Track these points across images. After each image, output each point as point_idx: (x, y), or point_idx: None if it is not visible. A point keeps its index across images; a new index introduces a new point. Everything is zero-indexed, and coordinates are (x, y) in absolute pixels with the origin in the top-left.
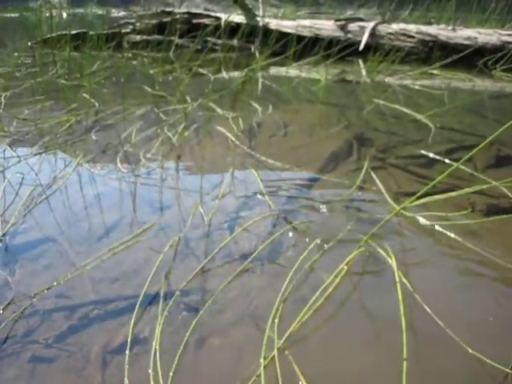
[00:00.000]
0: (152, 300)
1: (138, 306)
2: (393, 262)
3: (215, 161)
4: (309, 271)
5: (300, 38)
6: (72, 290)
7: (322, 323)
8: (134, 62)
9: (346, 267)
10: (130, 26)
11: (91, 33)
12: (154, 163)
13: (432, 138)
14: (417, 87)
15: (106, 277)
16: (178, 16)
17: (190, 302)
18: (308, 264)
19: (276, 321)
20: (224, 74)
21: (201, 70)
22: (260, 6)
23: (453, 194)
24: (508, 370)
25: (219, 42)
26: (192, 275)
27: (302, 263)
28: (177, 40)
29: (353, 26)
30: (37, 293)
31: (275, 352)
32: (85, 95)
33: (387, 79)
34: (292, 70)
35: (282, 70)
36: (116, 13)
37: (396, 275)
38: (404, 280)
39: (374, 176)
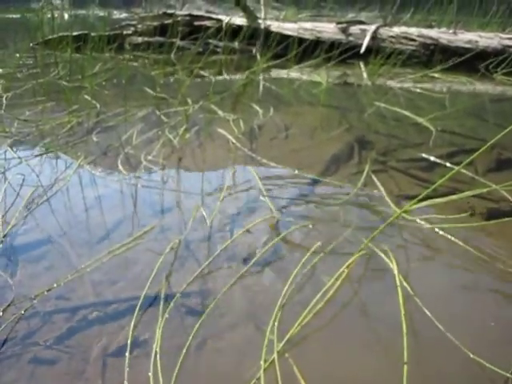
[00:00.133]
0: (152, 302)
1: (138, 309)
2: (393, 266)
3: (216, 163)
4: (310, 274)
5: (301, 41)
6: (72, 291)
7: (322, 326)
8: (136, 64)
9: (346, 270)
10: (132, 28)
11: (93, 34)
12: (155, 165)
13: (433, 142)
14: (418, 90)
15: (106, 279)
16: (179, 18)
17: (190, 304)
18: (309, 267)
19: (276, 324)
20: (225, 77)
21: (202, 72)
22: (262, 8)
23: (453, 197)
24: (508, 375)
25: (221, 44)
26: (192, 278)
27: (303, 266)
28: (178, 42)
29: (354, 29)
30: (37, 294)
31: (275, 355)
32: (86, 97)
33: (388, 82)
34: (293, 73)
35: (283, 73)
36: (118, 14)
37: (397, 279)
38: (405, 283)
39: (374, 179)
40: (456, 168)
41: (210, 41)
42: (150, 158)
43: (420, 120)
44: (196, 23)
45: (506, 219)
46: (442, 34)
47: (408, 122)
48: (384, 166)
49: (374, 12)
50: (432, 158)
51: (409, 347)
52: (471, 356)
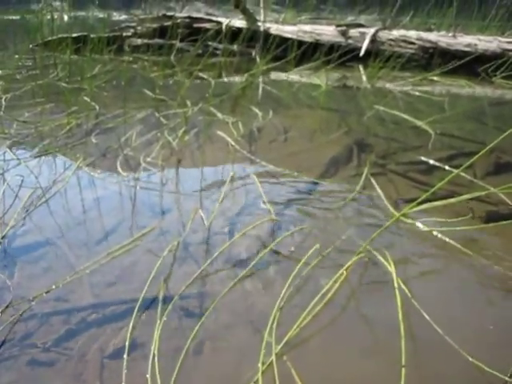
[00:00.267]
0: (151, 304)
1: (136, 311)
2: (392, 269)
3: (215, 165)
4: (308, 277)
5: (301, 43)
6: (71, 293)
7: (320, 329)
8: (135, 66)
9: (345, 273)
10: (132, 30)
11: (92, 36)
12: (154, 167)
13: (432, 145)
14: (417, 93)
15: (104, 281)
16: (179, 20)
17: (188, 306)
18: (307, 269)
19: (274, 326)
20: (224, 79)
21: (201, 75)
22: (261, 10)
23: (452, 200)
24: (507, 378)
25: (220, 46)
26: (191, 280)
27: (302, 269)
28: (178, 44)
29: (353, 32)
30: (35, 296)
31: (273, 357)
32: (85, 98)
33: (388, 85)
34: (292, 75)
35: (282, 75)
36: (117, 16)
37: (395, 282)
38: (403, 286)
39: (373, 182)
40: (455, 171)
41: (210, 43)
42: (148, 159)
43: (419, 123)
44: (195, 25)
45: (505, 222)
46: (441, 38)
47: (407, 125)
48: (383, 169)
49: (373, 15)
50: (431, 161)
51: (407, 350)
52: (470, 359)
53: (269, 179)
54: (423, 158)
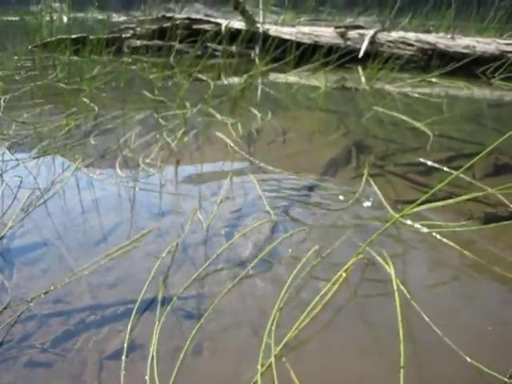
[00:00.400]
0: (149, 306)
1: (135, 312)
2: (391, 270)
3: (214, 166)
4: (307, 278)
5: (300, 45)
6: (69, 294)
7: (319, 330)
8: (134, 67)
9: (344, 274)
10: (131, 31)
11: (91, 37)
12: (153, 168)
13: (430, 146)
14: (416, 95)
15: (103, 282)
16: (178, 21)
17: (187, 308)
18: (306, 271)
19: (274, 327)
20: (224, 80)
21: (200, 76)
22: (260, 12)
23: (450, 201)
24: (506, 379)
25: (219, 47)
26: (190, 281)
27: (301, 270)
28: (177, 45)
29: (352, 34)
30: (34, 297)
31: (272, 359)
32: (84, 99)
33: (386, 87)
34: (291, 77)
35: (281, 77)
36: (117, 17)
37: (394, 283)
38: (402, 288)
39: (372, 183)
40: (454, 172)
41: (209, 44)
42: (147, 160)
43: (418, 124)
44: (195, 27)
45: (504, 223)
46: (440, 39)
47: (406, 127)
48: (382, 170)
49: (372, 17)
50: (430, 163)
51: (406, 352)
52: (469, 360)
53: (268, 180)
54: (422, 160)
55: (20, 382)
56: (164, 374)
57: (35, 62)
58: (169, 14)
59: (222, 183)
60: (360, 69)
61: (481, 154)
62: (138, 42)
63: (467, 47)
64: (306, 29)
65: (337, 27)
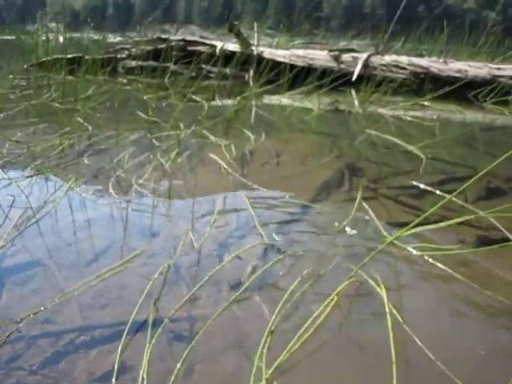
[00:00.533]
0: (140, 327)
1: (125, 333)
2: (383, 293)
3: (207, 188)
4: (299, 301)
5: (293, 68)
6: (59, 315)
7: (310, 353)
8: (129, 88)
9: (336, 297)
10: (126, 52)
11: (87, 57)
12: (146, 189)
13: (423, 169)
14: (408, 118)
15: (94, 303)
16: (173, 43)
17: (178, 330)
18: (298, 294)
19: (265, 351)
20: (218, 102)
21: (195, 97)
22: (255, 34)
23: (442, 224)
24: None
25: (214, 69)
26: (181, 303)
27: (292, 293)
28: (172, 67)
29: (346, 57)
30: (23, 317)
31: (263, 383)
32: (78, 119)
33: (379, 110)
34: (285, 99)
35: (275, 99)
36: (112, 38)
37: (386, 306)
38: (394, 311)
39: (365, 206)
40: (447, 196)
41: (204, 66)
42: (141, 181)
43: (410, 148)
44: (190, 48)
45: (495, 246)
46: (433, 63)
47: (398, 150)
48: (374, 193)
49: (365, 40)
50: (422, 186)
51: (398, 375)
52: None
53: (261, 202)
54: (414, 183)
55: None
56: None
57: (30, 81)
58: (164, 36)
59: (215, 205)
60: (353, 92)
61: (474, 178)
62: (133, 63)
63: (459, 71)
64: (300, 52)
65: (331, 50)
